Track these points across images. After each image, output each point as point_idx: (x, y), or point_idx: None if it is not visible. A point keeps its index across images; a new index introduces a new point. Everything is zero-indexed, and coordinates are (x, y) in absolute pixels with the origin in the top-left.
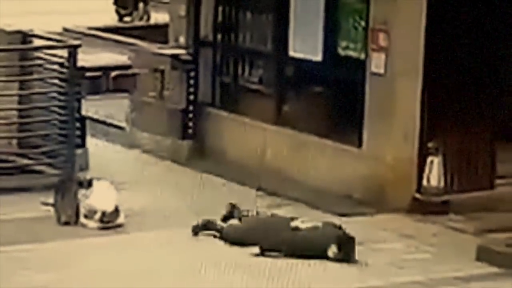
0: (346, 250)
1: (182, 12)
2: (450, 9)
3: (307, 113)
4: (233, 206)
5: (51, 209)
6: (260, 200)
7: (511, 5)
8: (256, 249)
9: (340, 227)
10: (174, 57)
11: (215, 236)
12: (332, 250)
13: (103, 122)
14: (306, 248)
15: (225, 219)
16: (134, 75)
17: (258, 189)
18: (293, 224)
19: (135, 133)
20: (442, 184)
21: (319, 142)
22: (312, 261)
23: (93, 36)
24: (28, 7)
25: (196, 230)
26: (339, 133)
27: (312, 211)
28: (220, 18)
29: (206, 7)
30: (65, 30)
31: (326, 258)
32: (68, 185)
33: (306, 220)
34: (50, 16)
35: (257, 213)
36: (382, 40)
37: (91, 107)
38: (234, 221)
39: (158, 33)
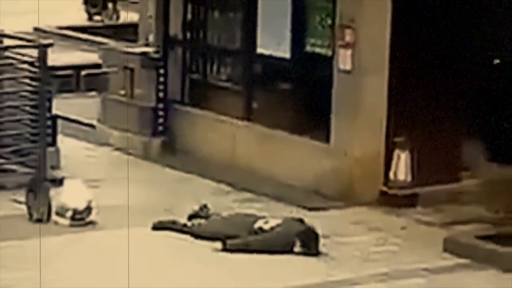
0: (309, 244)
1: (151, 11)
2: (416, 5)
3: (275, 109)
4: (204, 206)
5: (24, 207)
6: (230, 195)
7: (476, 1)
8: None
9: (302, 221)
10: (144, 55)
11: (182, 231)
12: (297, 247)
13: (74, 121)
14: (271, 246)
15: (190, 217)
16: (104, 73)
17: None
18: (257, 225)
19: (106, 131)
20: (409, 177)
21: (287, 137)
22: (279, 256)
23: (64, 35)
24: None
25: (157, 226)
26: (307, 129)
27: (281, 205)
28: (188, 16)
29: (175, 6)
30: (36, 29)
31: (292, 253)
32: (40, 183)
33: (269, 218)
34: (20, 15)
35: (220, 215)
36: (348, 36)
37: (62, 105)
38: (200, 220)
39: (128, 32)
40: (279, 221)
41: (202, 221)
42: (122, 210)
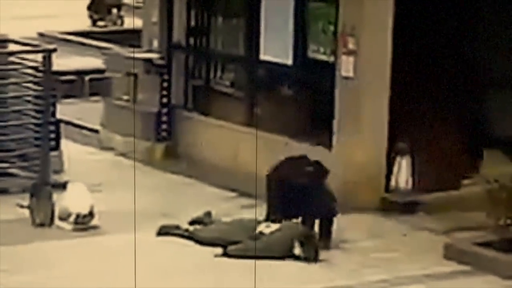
0: (309, 247)
1: (155, 17)
2: (417, 13)
3: (278, 115)
4: (208, 214)
5: (26, 211)
6: (232, 200)
7: (476, 9)
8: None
9: (301, 224)
10: (148, 61)
11: (183, 236)
12: (297, 249)
13: (78, 125)
14: (271, 251)
15: (192, 223)
16: (108, 78)
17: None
18: (258, 229)
19: (109, 136)
20: (410, 184)
21: (290, 143)
22: (279, 262)
23: (68, 40)
24: (2, 13)
25: (162, 232)
26: (310, 135)
27: None
28: (192, 23)
29: (179, 12)
30: (40, 35)
31: (292, 256)
32: (43, 187)
33: (271, 223)
34: (25, 21)
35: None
36: (351, 44)
37: (66, 110)
38: (200, 226)
39: (132, 37)
40: (279, 225)
41: (204, 226)
42: (124, 215)
